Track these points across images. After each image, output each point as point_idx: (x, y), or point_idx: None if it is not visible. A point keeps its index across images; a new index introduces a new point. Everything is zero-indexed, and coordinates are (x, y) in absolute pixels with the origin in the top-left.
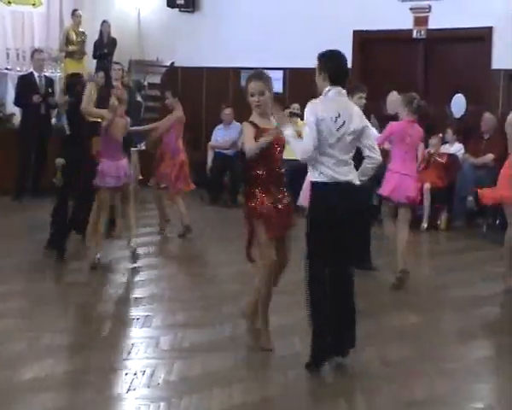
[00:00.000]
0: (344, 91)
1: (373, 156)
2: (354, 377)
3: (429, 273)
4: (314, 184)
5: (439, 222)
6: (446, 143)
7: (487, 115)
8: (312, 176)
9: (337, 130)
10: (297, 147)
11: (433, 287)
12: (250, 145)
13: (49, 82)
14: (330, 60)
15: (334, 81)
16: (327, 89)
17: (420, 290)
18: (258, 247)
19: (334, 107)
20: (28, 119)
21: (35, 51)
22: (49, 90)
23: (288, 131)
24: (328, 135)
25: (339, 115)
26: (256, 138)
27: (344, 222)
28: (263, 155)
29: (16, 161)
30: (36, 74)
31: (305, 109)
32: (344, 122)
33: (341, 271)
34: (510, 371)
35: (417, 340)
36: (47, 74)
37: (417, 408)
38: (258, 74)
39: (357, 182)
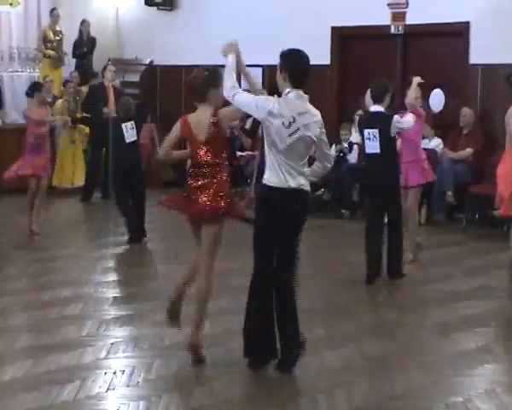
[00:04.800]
0: (303, 94)
1: (326, 165)
2: (334, 372)
3: (409, 268)
4: (262, 187)
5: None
6: (425, 138)
7: (465, 110)
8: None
9: (289, 136)
10: (227, 82)
11: (413, 281)
12: (162, 150)
13: None
14: (291, 59)
15: (294, 82)
16: (287, 91)
17: (399, 285)
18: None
19: (290, 111)
20: None
21: None
22: None
23: (230, 59)
24: (277, 140)
25: (293, 121)
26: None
27: (287, 227)
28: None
29: None
30: None
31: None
32: (298, 129)
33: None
34: (488, 364)
35: (397, 334)
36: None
37: (397, 402)
38: None
39: (307, 188)
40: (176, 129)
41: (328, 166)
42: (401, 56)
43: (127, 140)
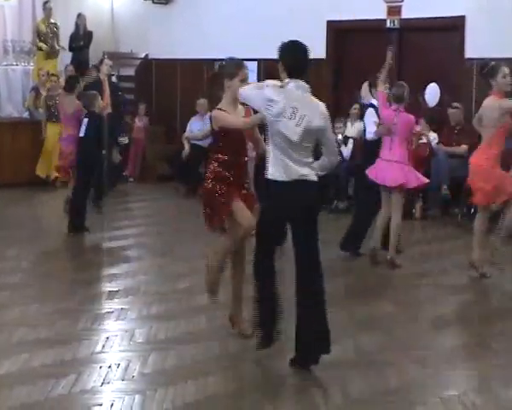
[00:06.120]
0: (304, 84)
1: (332, 160)
2: (329, 366)
3: (404, 262)
4: (268, 181)
5: (413, 211)
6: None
7: (451, 111)
8: (268, 172)
9: (297, 126)
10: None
11: (408, 276)
12: (241, 121)
13: None
14: (286, 51)
15: (291, 73)
16: (286, 81)
17: (395, 279)
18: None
19: (288, 101)
20: None
21: None
22: None
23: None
24: (289, 133)
25: (296, 110)
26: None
27: (296, 220)
28: (228, 139)
29: None
30: None
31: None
32: (302, 117)
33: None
34: (483, 358)
35: (392, 329)
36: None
37: (392, 396)
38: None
39: (311, 178)
40: None
41: (335, 160)
42: (396, 50)
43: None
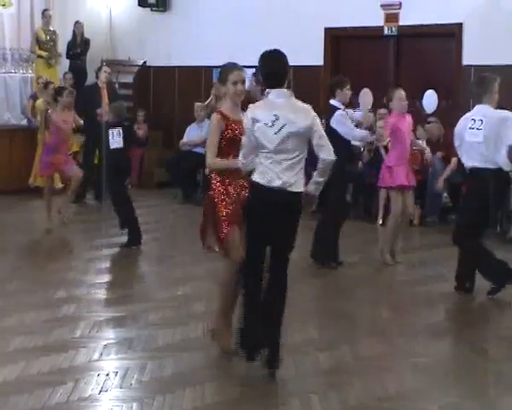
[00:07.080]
0: (284, 91)
1: (322, 157)
2: (326, 372)
3: (402, 268)
4: (252, 184)
5: (412, 218)
6: (418, 139)
7: (428, 126)
8: (253, 174)
9: (275, 134)
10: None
11: (406, 282)
12: (212, 160)
13: None
14: (262, 61)
15: (267, 83)
16: (267, 91)
17: (393, 286)
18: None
19: (271, 110)
20: None
21: None
22: None
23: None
24: (265, 141)
25: (277, 119)
26: (226, 130)
27: (274, 223)
28: (226, 147)
29: None
30: None
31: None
32: (283, 125)
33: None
34: (481, 365)
35: (389, 335)
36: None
37: (389, 403)
38: (238, 65)
39: (297, 189)
40: None
41: (324, 157)
42: (394, 57)
43: (111, 146)
